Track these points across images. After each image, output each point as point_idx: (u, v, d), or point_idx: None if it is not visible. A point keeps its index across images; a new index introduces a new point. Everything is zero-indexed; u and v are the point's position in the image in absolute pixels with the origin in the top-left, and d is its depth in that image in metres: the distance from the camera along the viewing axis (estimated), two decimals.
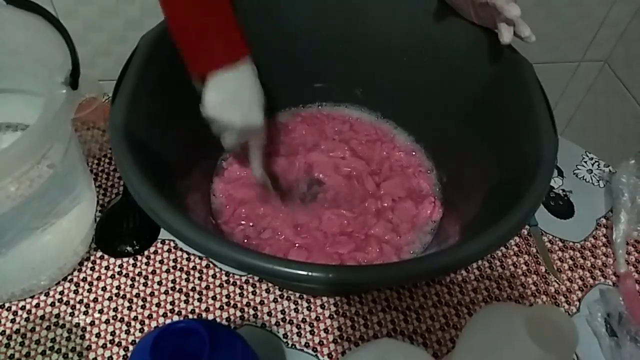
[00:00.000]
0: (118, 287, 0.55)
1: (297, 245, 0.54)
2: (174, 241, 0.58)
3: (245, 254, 0.37)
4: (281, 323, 0.52)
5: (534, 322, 0.30)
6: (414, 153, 0.64)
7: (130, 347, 0.50)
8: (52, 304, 0.53)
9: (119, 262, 0.56)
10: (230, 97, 0.47)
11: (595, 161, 0.67)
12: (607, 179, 0.65)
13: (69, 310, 0.53)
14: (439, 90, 0.59)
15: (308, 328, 0.52)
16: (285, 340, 0.51)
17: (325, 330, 0.52)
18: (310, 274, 0.37)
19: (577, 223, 0.62)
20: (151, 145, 0.48)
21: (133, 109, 0.46)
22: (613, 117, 0.92)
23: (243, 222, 0.56)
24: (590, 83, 0.95)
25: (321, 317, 0.53)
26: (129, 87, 0.47)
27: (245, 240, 0.55)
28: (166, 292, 0.54)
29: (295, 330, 0.52)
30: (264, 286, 0.55)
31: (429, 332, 0.52)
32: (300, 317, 0.53)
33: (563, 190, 0.65)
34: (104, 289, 0.55)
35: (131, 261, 0.57)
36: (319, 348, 0.51)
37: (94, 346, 0.50)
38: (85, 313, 0.53)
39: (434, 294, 0.55)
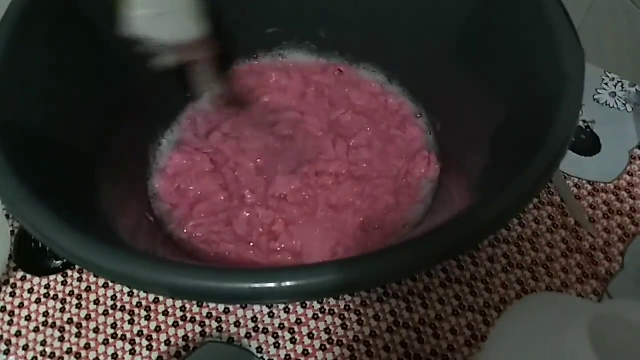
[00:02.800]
0: (46, 314, 0.43)
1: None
2: None
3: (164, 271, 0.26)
4: (253, 334, 0.41)
5: (601, 327, 0.19)
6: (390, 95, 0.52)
7: None
8: None
9: (44, 281, 0.45)
10: (160, 7, 0.38)
11: (618, 82, 0.55)
12: (635, 101, 0.53)
13: None
14: (415, 12, 0.47)
15: (288, 336, 0.41)
16: (260, 355, 0.41)
17: (310, 336, 0.41)
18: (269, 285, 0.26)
19: (606, 159, 0.50)
20: (42, 136, 0.36)
21: (9, 84, 0.34)
22: (622, 26, 0.79)
23: (202, 222, 0.45)
24: None
25: (303, 320, 0.42)
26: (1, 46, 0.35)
27: (208, 246, 0.43)
28: (105, 313, 0.43)
29: (271, 340, 0.41)
30: None
31: (452, 351, 0.41)
32: (277, 322, 0.42)
33: (584, 122, 0.53)
34: (27, 318, 0.43)
35: (60, 279, 0.45)
36: (303, 359, 0.40)
37: None
38: (7, 352, 0.42)
39: (454, 297, 0.43)
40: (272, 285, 0.26)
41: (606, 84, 0.55)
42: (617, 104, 0.54)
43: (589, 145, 0.51)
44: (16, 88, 0.35)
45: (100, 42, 0.42)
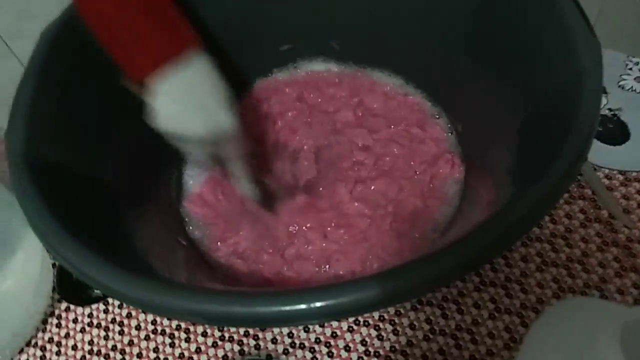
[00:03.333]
0: (90, 342, 0.45)
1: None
2: None
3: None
4: (290, 350, 0.42)
5: (634, 331, 0.19)
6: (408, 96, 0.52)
7: None
8: None
9: (87, 310, 0.47)
10: (187, 100, 0.36)
11: None
12: None
13: None
14: (423, 14, 0.47)
15: (324, 350, 0.42)
16: None
17: (346, 348, 0.41)
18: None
19: (636, 146, 0.49)
20: (72, 173, 0.37)
21: (37, 126, 0.36)
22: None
23: (238, 239, 0.46)
24: None
25: (338, 333, 0.42)
26: (26, 99, 0.36)
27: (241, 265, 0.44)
28: (147, 338, 0.44)
29: (309, 355, 0.41)
30: None
31: (491, 355, 0.40)
32: (313, 337, 0.42)
33: (610, 110, 0.51)
34: (74, 347, 0.45)
35: (101, 307, 0.47)
36: None
37: None
38: None
39: (489, 300, 0.42)
40: (302, 306, 0.26)
41: (630, 68, 0.54)
42: None
43: (617, 133, 0.50)
44: (45, 126, 0.36)
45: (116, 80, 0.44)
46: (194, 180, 0.50)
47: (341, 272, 0.43)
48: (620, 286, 0.41)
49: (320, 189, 0.47)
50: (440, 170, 0.47)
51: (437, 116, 0.51)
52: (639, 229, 0.44)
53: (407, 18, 0.48)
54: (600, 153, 0.48)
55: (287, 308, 0.27)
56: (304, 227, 0.45)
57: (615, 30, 0.79)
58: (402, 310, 0.42)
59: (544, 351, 0.22)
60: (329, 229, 0.45)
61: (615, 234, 0.44)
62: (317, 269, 0.43)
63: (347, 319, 0.42)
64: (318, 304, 0.26)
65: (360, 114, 0.52)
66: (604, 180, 0.47)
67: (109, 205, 0.39)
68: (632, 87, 0.52)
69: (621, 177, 0.47)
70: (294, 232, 0.45)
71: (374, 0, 0.48)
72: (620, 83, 0.53)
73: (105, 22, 0.34)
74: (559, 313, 0.23)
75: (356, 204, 0.46)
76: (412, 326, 0.41)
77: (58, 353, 0.45)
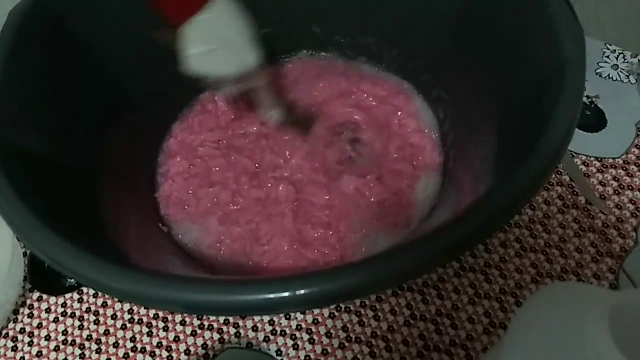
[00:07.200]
0: (65, 332, 0.44)
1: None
2: None
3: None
4: (272, 337, 0.42)
5: (622, 317, 0.19)
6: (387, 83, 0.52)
7: None
8: None
9: (61, 300, 0.45)
10: (215, 43, 0.39)
11: (620, 53, 0.54)
12: (638, 71, 0.53)
13: None
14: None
15: (306, 337, 0.41)
16: (280, 357, 0.41)
17: (328, 335, 0.41)
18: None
19: (613, 134, 0.49)
20: (43, 159, 0.35)
21: (5, 110, 0.34)
22: None
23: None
24: None
25: (320, 320, 0.42)
26: None
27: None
28: (124, 327, 0.43)
29: (290, 342, 0.41)
30: None
31: (471, 340, 0.41)
32: (294, 324, 0.42)
33: (587, 97, 0.52)
34: (47, 337, 0.44)
35: (76, 296, 0.45)
36: (323, 359, 0.40)
37: None
38: None
39: (469, 286, 0.42)
40: (286, 294, 0.26)
41: (607, 56, 0.54)
42: (620, 76, 0.53)
43: (595, 121, 0.50)
44: (14, 111, 0.35)
45: (95, 59, 0.42)
46: (169, 168, 0.49)
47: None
48: (597, 271, 0.42)
49: None
50: (420, 158, 0.47)
51: (423, 107, 0.50)
52: (615, 215, 0.45)
53: (393, 5, 0.48)
54: (578, 140, 0.49)
55: (271, 296, 0.26)
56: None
57: (593, 17, 0.80)
58: (383, 297, 0.42)
59: (531, 336, 0.22)
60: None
61: (592, 220, 0.45)
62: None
63: (330, 306, 0.42)
64: (302, 292, 0.26)
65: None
66: (582, 167, 0.47)
67: (82, 192, 0.38)
68: (609, 74, 0.53)
69: (598, 164, 0.48)
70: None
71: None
72: (598, 71, 0.54)
73: None
74: (545, 298, 0.23)
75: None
76: (393, 312, 0.41)
77: (31, 344, 0.43)
